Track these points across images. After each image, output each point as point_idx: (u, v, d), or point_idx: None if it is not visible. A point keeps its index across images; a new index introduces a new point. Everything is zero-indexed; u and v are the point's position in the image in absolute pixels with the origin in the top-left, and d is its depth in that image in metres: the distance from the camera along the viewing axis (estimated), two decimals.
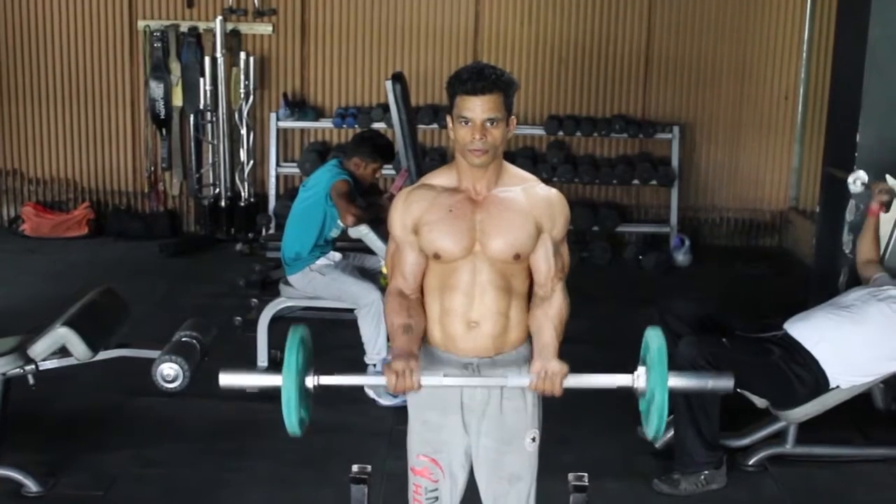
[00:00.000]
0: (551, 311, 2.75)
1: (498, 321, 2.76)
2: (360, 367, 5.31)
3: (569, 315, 2.78)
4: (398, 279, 2.81)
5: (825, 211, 5.99)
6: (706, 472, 4.31)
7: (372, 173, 5.43)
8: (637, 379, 2.67)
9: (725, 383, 2.75)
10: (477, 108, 2.62)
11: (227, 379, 2.73)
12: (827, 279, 5.56)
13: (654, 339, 2.64)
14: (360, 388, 5.20)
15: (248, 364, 5.37)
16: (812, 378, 4.28)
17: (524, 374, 2.70)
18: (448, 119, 2.73)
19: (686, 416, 4.30)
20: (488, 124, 2.63)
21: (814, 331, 4.33)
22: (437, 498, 2.90)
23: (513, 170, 2.82)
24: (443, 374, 2.68)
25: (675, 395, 4.33)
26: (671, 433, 4.56)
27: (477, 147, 2.64)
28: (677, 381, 2.67)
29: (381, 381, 2.65)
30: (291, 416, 2.59)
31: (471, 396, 2.81)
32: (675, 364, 4.28)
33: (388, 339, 5.10)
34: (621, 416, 4.98)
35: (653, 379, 2.62)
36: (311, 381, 2.67)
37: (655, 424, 2.63)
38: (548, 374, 2.62)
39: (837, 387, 4.30)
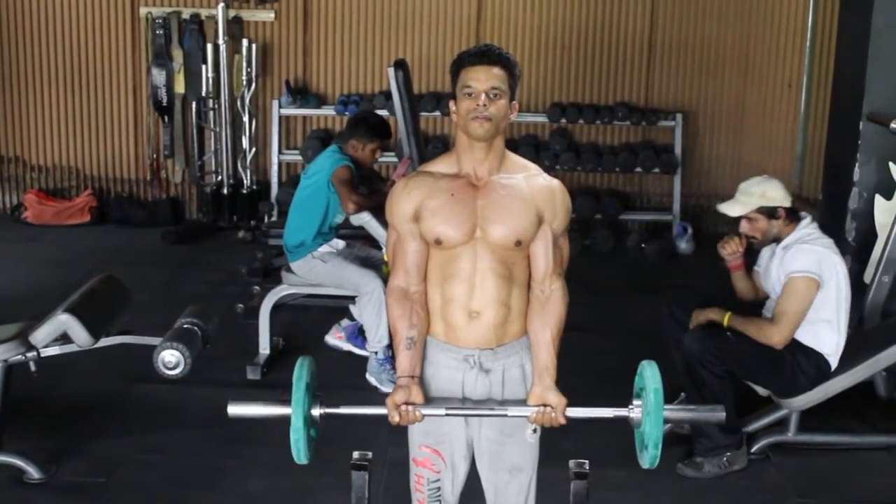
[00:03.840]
0: (551, 319, 2.76)
1: (499, 310, 2.75)
2: (362, 357, 5.33)
3: (567, 310, 2.80)
4: (399, 276, 2.78)
5: (828, 199, 5.98)
6: (728, 453, 4.36)
7: (371, 154, 5.41)
8: (632, 411, 2.72)
9: (717, 416, 2.81)
10: (481, 76, 2.65)
11: (236, 409, 2.79)
12: None
13: (649, 375, 2.67)
14: (362, 376, 5.21)
15: (249, 354, 5.38)
16: (814, 366, 4.30)
17: (524, 406, 2.74)
18: (451, 103, 2.74)
19: (699, 404, 4.32)
20: (492, 94, 2.66)
21: (830, 333, 4.33)
22: (438, 489, 2.91)
23: (515, 158, 2.82)
24: (444, 409, 2.72)
25: (689, 391, 4.37)
26: None
27: (480, 114, 2.65)
28: (672, 414, 2.74)
29: (382, 411, 2.75)
30: (299, 446, 2.68)
31: (472, 389, 2.81)
32: (682, 358, 4.34)
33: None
34: (623, 404, 5.00)
35: (648, 415, 2.66)
36: (317, 412, 2.76)
37: (650, 456, 2.67)
38: (547, 411, 2.69)
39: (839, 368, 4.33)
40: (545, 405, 2.69)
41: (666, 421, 2.64)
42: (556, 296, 2.77)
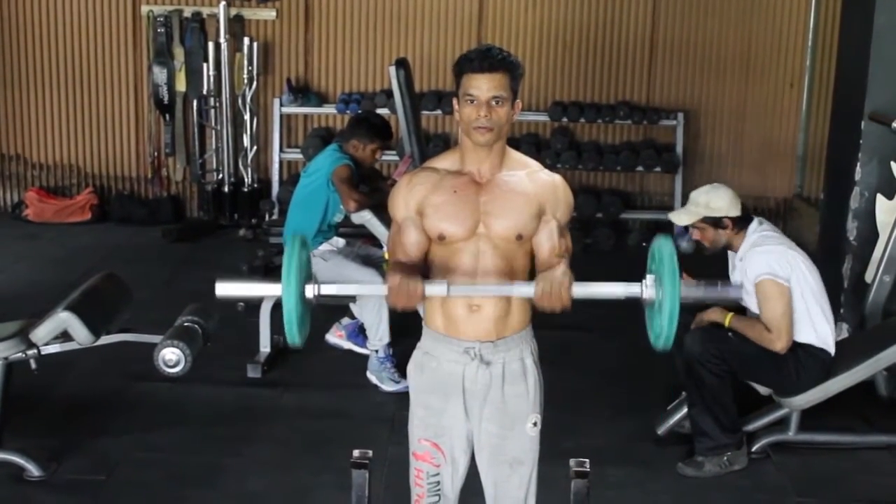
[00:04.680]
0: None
1: (500, 304, 2.76)
2: (363, 355, 5.33)
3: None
4: (399, 256, 2.79)
5: (830, 198, 5.97)
6: (729, 453, 4.37)
7: (372, 154, 5.40)
8: (646, 288, 2.60)
9: (735, 293, 2.69)
10: (483, 85, 2.65)
11: (224, 288, 2.64)
12: (831, 266, 5.55)
13: (663, 247, 2.57)
14: (362, 374, 5.20)
15: (250, 352, 5.37)
16: (817, 363, 4.33)
17: (529, 283, 2.63)
18: (454, 102, 2.75)
19: (701, 406, 4.35)
20: (494, 102, 2.65)
21: (809, 326, 4.34)
22: (438, 483, 2.90)
23: (516, 155, 2.84)
24: (447, 284, 2.60)
25: (689, 391, 4.37)
26: (674, 420, 4.60)
27: (482, 125, 2.66)
28: (687, 291, 2.58)
29: (382, 290, 2.62)
30: (293, 326, 2.55)
31: (472, 381, 2.81)
32: (682, 358, 4.35)
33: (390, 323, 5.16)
34: (623, 404, 5.01)
35: (663, 287, 2.54)
36: (310, 291, 2.60)
37: (665, 333, 2.55)
38: (554, 280, 2.57)
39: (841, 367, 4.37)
40: (550, 282, 2.57)
41: (682, 298, 2.49)
42: (563, 266, 2.72)
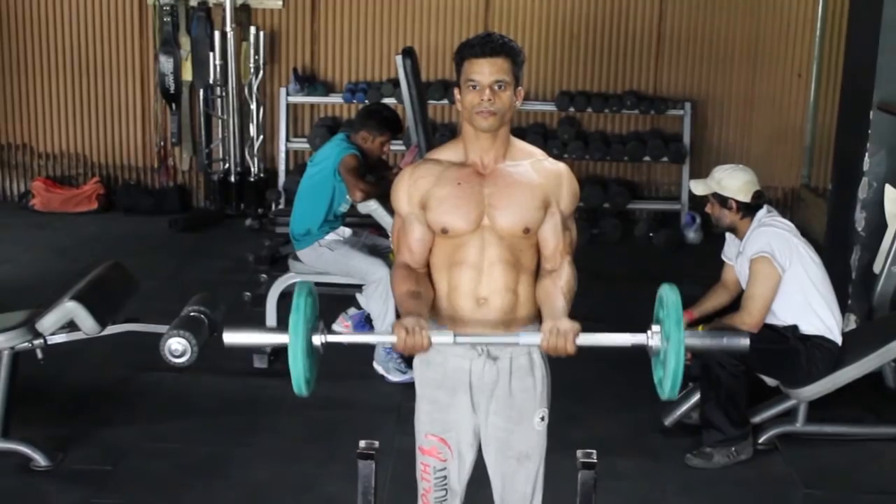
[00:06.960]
0: (560, 282, 2.71)
1: (506, 297, 2.74)
2: (368, 346, 5.33)
3: (577, 288, 2.74)
4: (404, 254, 2.78)
5: (837, 189, 5.96)
6: (737, 444, 4.38)
7: (380, 146, 5.40)
8: (651, 337, 2.56)
9: (740, 342, 2.64)
10: (485, 70, 2.62)
11: (232, 337, 2.60)
12: (839, 257, 5.54)
13: (669, 296, 2.53)
14: (368, 364, 5.20)
15: None
16: (825, 353, 4.34)
17: (535, 333, 2.60)
18: (455, 91, 2.72)
19: (714, 403, 4.37)
20: (496, 87, 2.63)
21: (813, 316, 4.36)
22: (445, 477, 2.89)
23: (520, 144, 2.81)
24: (453, 335, 2.59)
25: (703, 387, 4.37)
26: (681, 411, 4.59)
27: (485, 108, 2.63)
28: (693, 340, 2.56)
29: (390, 339, 2.58)
30: (299, 376, 2.51)
31: (479, 377, 2.79)
32: (701, 359, 4.36)
33: (397, 311, 5.15)
34: (631, 394, 4.99)
35: (668, 337, 2.50)
36: (318, 340, 2.58)
37: (670, 385, 2.52)
38: (559, 331, 2.53)
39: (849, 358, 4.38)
40: (556, 329, 2.54)
41: (687, 348, 2.47)
42: (566, 267, 2.74)
